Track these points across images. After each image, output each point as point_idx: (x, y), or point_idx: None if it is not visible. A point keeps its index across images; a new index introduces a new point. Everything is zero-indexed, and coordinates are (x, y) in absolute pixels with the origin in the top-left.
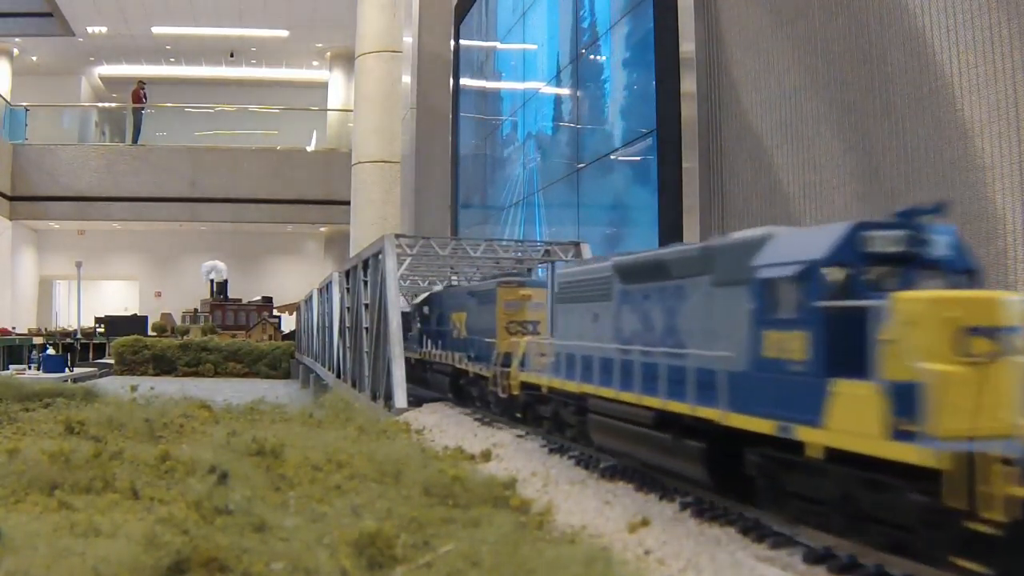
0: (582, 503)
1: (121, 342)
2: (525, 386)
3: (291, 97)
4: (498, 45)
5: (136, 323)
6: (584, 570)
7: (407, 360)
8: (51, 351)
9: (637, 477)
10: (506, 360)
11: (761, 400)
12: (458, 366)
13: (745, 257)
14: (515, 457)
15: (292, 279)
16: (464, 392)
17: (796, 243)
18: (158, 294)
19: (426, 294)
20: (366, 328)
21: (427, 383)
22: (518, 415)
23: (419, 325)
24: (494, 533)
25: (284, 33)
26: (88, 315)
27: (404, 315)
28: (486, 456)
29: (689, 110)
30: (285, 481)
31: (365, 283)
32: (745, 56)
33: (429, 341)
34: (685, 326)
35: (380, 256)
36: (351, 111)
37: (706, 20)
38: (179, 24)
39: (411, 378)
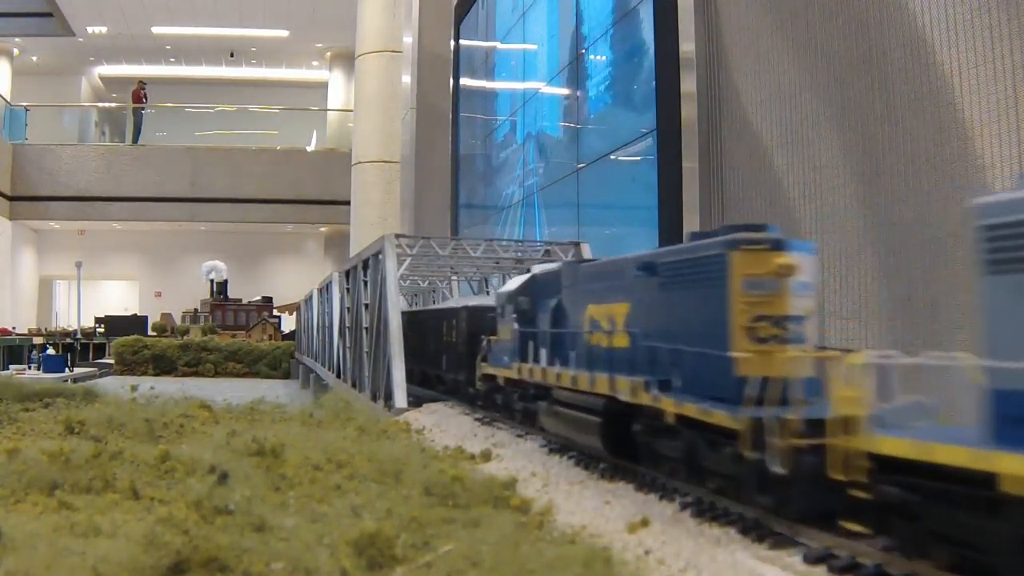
0: (582, 503)
1: (121, 342)
2: (885, 466)
3: (291, 97)
4: (498, 45)
5: (136, 323)
6: (584, 570)
7: (491, 379)
8: (51, 351)
9: (637, 477)
10: (784, 396)
11: None
12: (628, 400)
13: None
14: (515, 457)
15: (292, 279)
16: (639, 448)
17: None
18: (158, 294)
19: (525, 276)
20: (366, 328)
21: (531, 418)
22: (863, 529)
23: (516, 326)
24: (494, 533)
25: (284, 33)
26: (88, 315)
27: (481, 312)
28: (486, 456)
29: (689, 110)
30: (285, 481)
31: (365, 283)
32: (745, 56)
33: (542, 352)
34: None
35: (380, 256)
36: (351, 111)
37: (706, 20)
38: (179, 24)
39: (495, 406)
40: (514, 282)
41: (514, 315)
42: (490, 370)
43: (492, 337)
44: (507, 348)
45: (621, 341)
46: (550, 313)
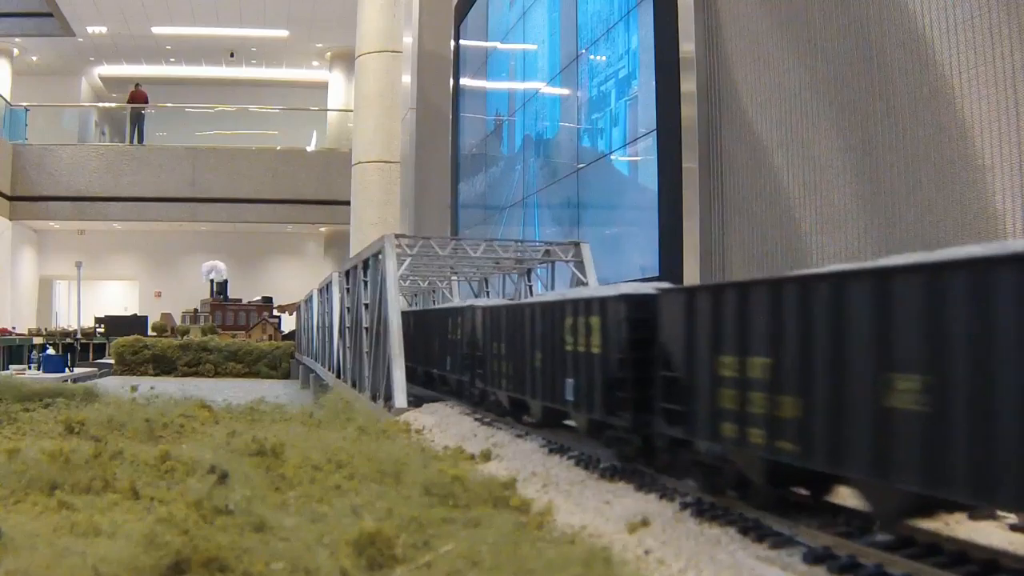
0: (582, 503)
1: (121, 342)
2: None
3: (291, 97)
4: (498, 45)
5: (136, 323)
6: (584, 570)
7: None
8: (51, 351)
9: (637, 477)
10: None
11: None
12: None
13: None
14: (515, 457)
15: (292, 279)
16: None
17: None
18: (158, 294)
19: None
20: (366, 328)
21: None
22: None
23: None
24: (494, 533)
25: (284, 33)
26: (88, 315)
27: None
28: (486, 456)
29: (689, 110)
30: (285, 481)
31: (365, 283)
32: (745, 56)
33: None
34: None
35: (380, 256)
36: (351, 111)
37: (706, 20)
38: (179, 24)
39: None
40: None
41: None
42: None
43: None
44: None
45: None
46: None
